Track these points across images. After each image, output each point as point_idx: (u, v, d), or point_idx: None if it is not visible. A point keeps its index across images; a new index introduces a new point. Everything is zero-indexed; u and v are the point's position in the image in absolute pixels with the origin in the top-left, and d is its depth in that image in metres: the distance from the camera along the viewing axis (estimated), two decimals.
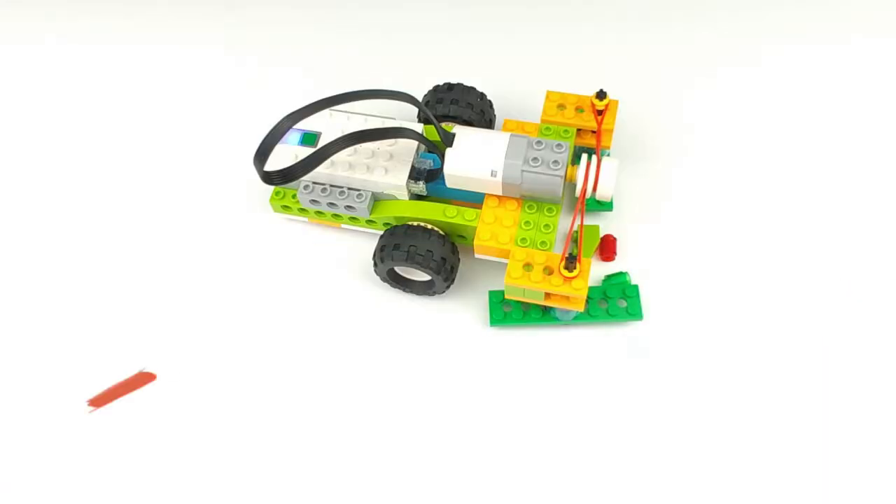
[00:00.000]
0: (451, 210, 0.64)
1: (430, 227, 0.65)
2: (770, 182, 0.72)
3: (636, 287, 0.65)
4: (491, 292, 0.66)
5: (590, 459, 0.62)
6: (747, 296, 0.67)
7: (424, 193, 0.66)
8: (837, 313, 0.66)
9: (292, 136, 0.67)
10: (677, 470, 0.61)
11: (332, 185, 0.66)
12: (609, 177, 0.61)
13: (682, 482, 0.61)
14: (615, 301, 0.65)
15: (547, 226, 0.62)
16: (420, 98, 0.71)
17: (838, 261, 0.68)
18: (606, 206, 0.69)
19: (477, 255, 0.65)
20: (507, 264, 0.62)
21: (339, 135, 0.66)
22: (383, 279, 0.67)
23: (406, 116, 0.71)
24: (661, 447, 0.62)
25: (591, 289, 0.65)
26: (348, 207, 0.66)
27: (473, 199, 0.65)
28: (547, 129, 0.66)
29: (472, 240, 0.64)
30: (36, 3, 0.85)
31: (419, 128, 0.66)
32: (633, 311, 0.65)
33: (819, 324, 0.66)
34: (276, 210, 0.69)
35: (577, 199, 0.64)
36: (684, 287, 0.67)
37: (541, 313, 0.65)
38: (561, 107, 0.67)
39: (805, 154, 0.73)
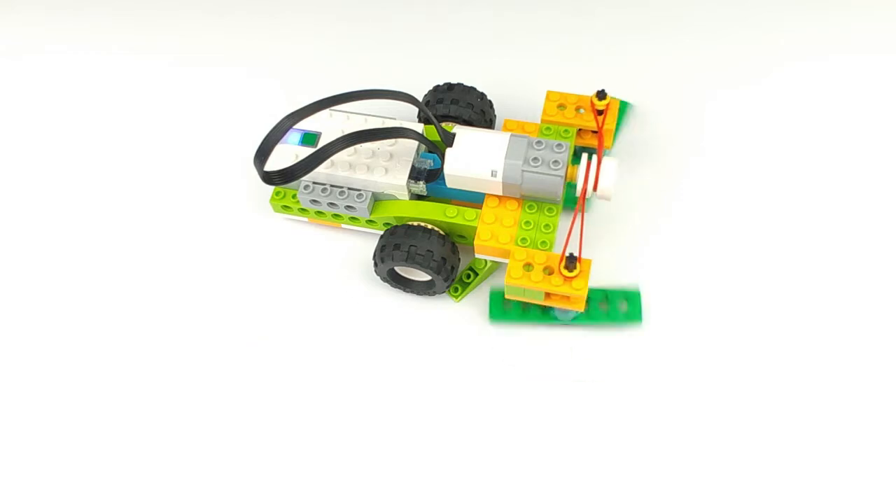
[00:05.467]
0: (452, 210, 0.64)
1: (430, 227, 0.64)
2: (773, 184, 0.72)
3: (638, 292, 0.65)
4: (492, 290, 0.66)
5: (591, 461, 0.62)
6: (752, 300, 0.67)
7: (424, 193, 0.66)
8: (843, 318, 0.66)
9: (292, 136, 0.67)
10: (678, 473, 0.61)
11: (332, 185, 0.66)
12: (609, 175, 0.61)
13: (682, 485, 0.61)
14: (616, 304, 0.65)
15: (547, 226, 0.62)
16: (420, 98, 0.71)
17: (842, 268, 0.68)
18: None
19: (477, 255, 0.65)
20: (507, 264, 0.62)
21: (339, 135, 0.66)
22: (383, 279, 0.67)
23: (406, 116, 0.71)
24: (660, 450, 0.62)
25: (593, 290, 0.65)
26: (348, 207, 0.66)
27: (473, 199, 0.65)
28: (547, 129, 0.66)
29: (472, 240, 0.64)
30: (41, 12, 0.85)
31: (419, 128, 0.66)
32: (632, 315, 0.65)
33: (824, 328, 0.66)
34: (276, 210, 0.69)
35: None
36: (690, 290, 0.67)
37: (540, 312, 0.65)
38: (561, 107, 0.67)
39: (808, 159, 0.73)
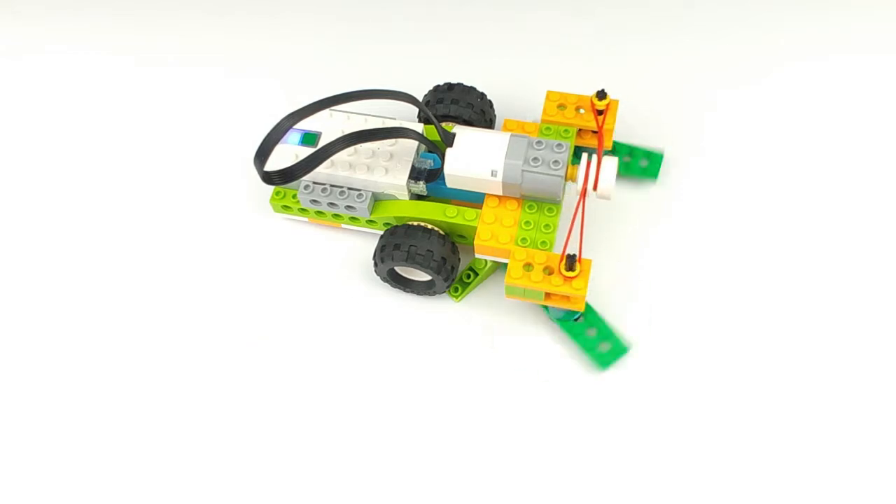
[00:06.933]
0: (452, 210, 0.64)
1: (430, 226, 0.64)
2: (773, 184, 0.72)
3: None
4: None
5: (590, 462, 0.62)
6: (752, 300, 0.67)
7: (424, 193, 0.66)
8: (843, 317, 0.66)
9: (292, 136, 0.67)
10: (677, 476, 0.61)
11: (332, 185, 0.66)
12: (609, 175, 0.61)
13: (684, 489, 0.61)
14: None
15: (547, 226, 0.62)
16: (420, 98, 0.71)
17: (842, 267, 0.68)
18: (653, 173, 0.71)
19: (477, 255, 0.65)
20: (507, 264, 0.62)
21: (339, 135, 0.66)
22: (383, 279, 0.67)
23: (406, 116, 0.71)
24: (659, 453, 0.62)
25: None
26: (349, 207, 0.66)
27: (473, 199, 0.65)
28: (547, 129, 0.66)
29: (472, 240, 0.64)
30: (41, 12, 0.85)
31: (419, 128, 0.66)
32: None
33: (824, 328, 0.66)
34: (276, 210, 0.69)
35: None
36: (690, 290, 0.68)
37: None
38: (561, 107, 0.67)
39: (808, 159, 0.73)
